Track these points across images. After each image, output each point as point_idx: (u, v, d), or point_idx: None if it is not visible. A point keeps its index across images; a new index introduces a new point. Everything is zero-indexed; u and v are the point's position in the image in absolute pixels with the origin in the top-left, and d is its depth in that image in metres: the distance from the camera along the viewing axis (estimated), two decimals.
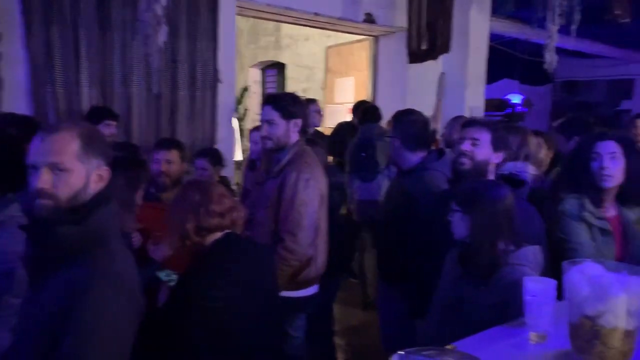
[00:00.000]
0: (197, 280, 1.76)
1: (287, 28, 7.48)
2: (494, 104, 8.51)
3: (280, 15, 5.01)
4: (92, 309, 1.31)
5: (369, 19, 5.34)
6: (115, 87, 3.95)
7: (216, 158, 3.50)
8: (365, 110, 4.84)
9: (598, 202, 2.26)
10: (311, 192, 2.37)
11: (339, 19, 5.14)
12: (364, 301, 4.63)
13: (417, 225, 2.33)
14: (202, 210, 1.83)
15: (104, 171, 1.46)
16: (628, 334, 1.43)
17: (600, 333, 1.43)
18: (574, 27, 3.96)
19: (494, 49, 7.78)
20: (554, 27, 3.99)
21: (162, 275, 2.11)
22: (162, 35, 3.26)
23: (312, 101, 4.79)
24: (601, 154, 2.22)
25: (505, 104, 8.89)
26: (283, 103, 2.48)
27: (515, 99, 9.05)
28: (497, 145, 2.26)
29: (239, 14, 4.75)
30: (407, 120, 2.62)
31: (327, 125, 6.67)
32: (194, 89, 4.29)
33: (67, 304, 1.30)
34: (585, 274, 1.48)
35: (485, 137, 2.25)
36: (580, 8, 4.24)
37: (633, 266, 2.03)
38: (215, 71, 4.36)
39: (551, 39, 4.10)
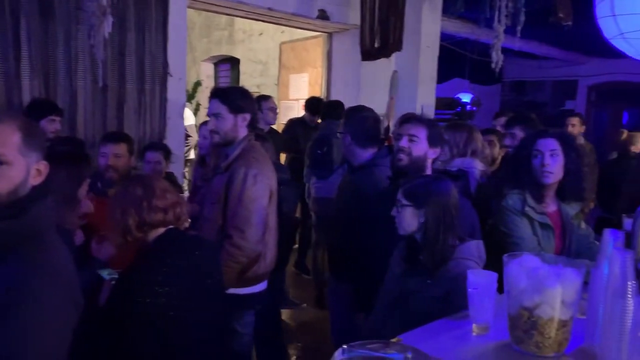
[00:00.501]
0: (138, 277, 1.72)
1: (240, 22, 7.40)
2: (445, 103, 8.68)
3: (233, 9, 4.94)
4: (27, 305, 1.26)
5: (323, 16, 5.35)
6: (59, 79, 3.81)
7: (168, 152, 3.44)
8: (327, 106, 4.84)
9: (539, 198, 2.34)
10: (260, 188, 2.34)
11: (293, 14, 5.11)
12: (318, 298, 4.64)
13: (365, 221, 2.35)
14: (145, 205, 1.79)
15: (43, 165, 1.41)
16: (563, 323, 1.48)
17: (537, 323, 1.47)
18: (519, 28, 4.09)
19: (446, 49, 7.93)
20: (500, 28, 4.11)
21: (105, 273, 2.04)
22: (107, 27, 3.15)
23: (266, 98, 4.75)
24: (542, 151, 2.29)
25: (455, 103, 9.09)
26: (231, 97, 2.45)
27: (465, 97, 9.26)
28: (433, 141, 2.31)
29: (190, 7, 4.66)
30: (358, 116, 2.64)
31: (283, 122, 6.65)
32: (143, 82, 4.18)
33: (2, 301, 1.24)
34: (524, 267, 1.52)
35: (422, 133, 2.29)
36: (526, 10, 4.37)
37: (569, 259, 2.11)
38: (165, 64, 4.26)
39: (498, 39, 4.22)
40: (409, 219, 1.96)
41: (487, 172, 2.81)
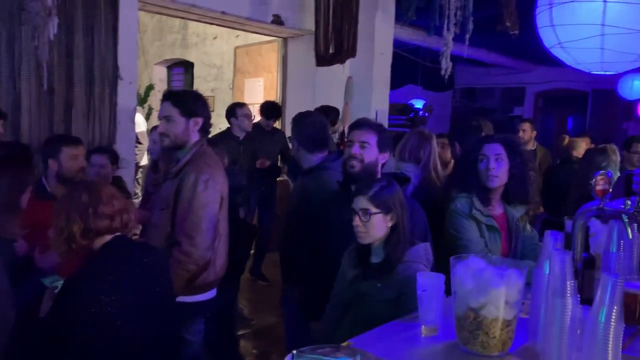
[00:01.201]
0: (83, 286, 1.66)
1: (194, 26, 7.32)
2: (398, 108, 8.83)
3: (186, 12, 4.88)
4: None
5: (278, 21, 5.34)
6: (1, 82, 3.66)
7: (115, 156, 3.36)
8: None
9: (486, 201, 2.41)
10: (211, 194, 2.31)
11: (247, 19, 5.09)
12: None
13: (314, 225, 2.35)
14: (90, 212, 1.73)
15: None
16: (507, 323, 1.52)
17: (482, 324, 1.51)
18: (467, 36, 4.21)
19: (399, 56, 8.08)
20: (449, 36, 4.22)
21: (47, 281, 1.97)
22: (52, 28, 3.05)
23: (241, 105, 4.76)
24: (487, 155, 2.36)
25: (408, 109, 9.27)
26: (183, 100, 2.41)
27: (418, 104, 9.46)
28: (383, 146, 2.34)
29: (141, 10, 4.57)
30: (304, 122, 2.66)
31: None
32: (92, 85, 4.06)
33: None
34: (470, 269, 1.56)
35: (372, 139, 2.32)
36: (474, 19, 4.50)
37: (513, 260, 2.18)
38: (115, 67, 4.16)
39: (447, 46, 4.33)
40: (380, 226, 1.96)
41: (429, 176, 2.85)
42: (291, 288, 2.62)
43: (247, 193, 3.46)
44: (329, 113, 4.71)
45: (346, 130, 5.39)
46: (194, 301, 2.38)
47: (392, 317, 1.82)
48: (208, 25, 6.61)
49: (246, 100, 6.46)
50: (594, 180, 1.76)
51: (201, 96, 2.58)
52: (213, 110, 7.21)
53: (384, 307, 1.91)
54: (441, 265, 2.01)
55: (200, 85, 7.36)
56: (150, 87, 7.93)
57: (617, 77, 7.58)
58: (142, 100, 7.38)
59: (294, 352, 1.36)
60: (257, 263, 5.29)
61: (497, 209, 2.45)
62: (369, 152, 2.31)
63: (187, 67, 7.88)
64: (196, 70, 7.55)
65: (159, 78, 8.16)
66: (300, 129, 2.61)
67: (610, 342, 1.35)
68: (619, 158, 3.95)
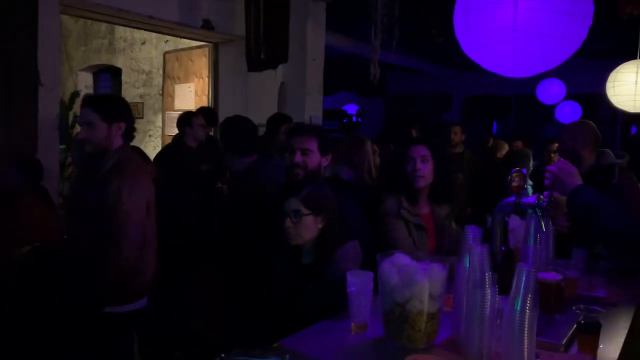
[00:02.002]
0: None
1: (121, 31, 7.10)
2: (332, 114, 8.95)
3: (112, 16, 4.72)
4: None
5: (208, 26, 5.27)
6: None
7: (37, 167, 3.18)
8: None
9: (413, 201, 2.48)
10: (136, 201, 2.25)
11: (176, 23, 4.99)
12: None
13: (243, 227, 2.34)
14: (7, 223, 1.64)
15: None
16: (432, 316, 1.58)
17: (408, 317, 1.56)
18: (394, 42, 4.32)
19: (332, 62, 8.19)
20: (376, 42, 4.32)
21: None
22: None
23: (196, 114, 4.62)
24: (414, 157, 2.44)
25: (342, 114, 9.41)
26: (105, 104, 2.33)
27: (351, 109, 9.63)
28: (324, 149, 2.36)
29: (64, 13, 4.38)
30: (231, 127, 2.65)
31: (168, 133, 6.45)
32: (10, 91, 3.85)
33: None
34: (395, 264, 1.60)
35: (313, 145, 2.32)
36: (402, 27, 4.64)
37: (437, 256, 2.25)
38: (35, 73, 3.96)
39: (374, 52, 4.43)
40: (311, 227, 1.99)
41: (363, 178, 2.90)
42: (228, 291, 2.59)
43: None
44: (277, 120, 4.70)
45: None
46: (123, 311, 2.30)
47: (324, 317, 1.84)
48: (136, 30, 6.45)
49: (177, 107, 6.33)
50: (509, 177, 1.86)
51: (123, 100, 2.51)
52: (142, 117, 7.02)
53: (317, 308, 1.93)
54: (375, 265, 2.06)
55: (129, 91, 7.13)
56: (75, 94, 7.59)
57: (536, 83, 8.03)
58: (66, 108, 7.06)
59: (222, 355, 1.35)
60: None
61: (424, 208, 2.53)
62: (311, 158, 2.31)
63: (114, 73, 7.62)
64: (124, 77, 7.31)
65: (85, 84, 7.83)
66: (228, 134, 2.59)
67: (526, 329, 1.42)
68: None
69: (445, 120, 10.75)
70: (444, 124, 7.77)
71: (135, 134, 2.48)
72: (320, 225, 2.01)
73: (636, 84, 4.08)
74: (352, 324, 1.72)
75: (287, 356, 1.34)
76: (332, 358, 1.53)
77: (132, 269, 2.23)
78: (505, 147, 6.01)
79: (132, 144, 3.10)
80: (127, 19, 4.73)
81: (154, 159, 4.22)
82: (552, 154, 5.03)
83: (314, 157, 2.32)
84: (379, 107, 11.85)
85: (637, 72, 4.10)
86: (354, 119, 9.46)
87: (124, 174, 2.24)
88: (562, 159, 1.82)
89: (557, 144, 5.19)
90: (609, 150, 2.95)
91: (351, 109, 9.68)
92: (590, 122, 3.03)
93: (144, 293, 2.38)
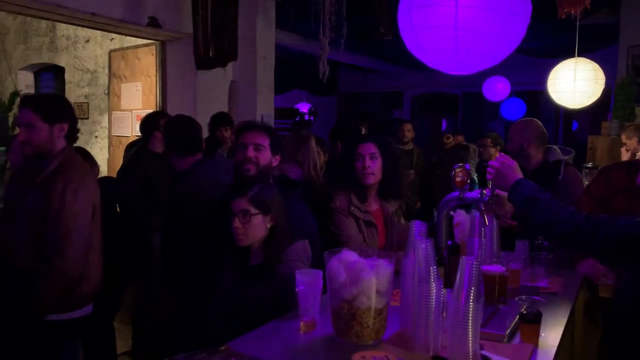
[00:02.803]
0: None
1: (64, 28, 6.84)
2: (284, 113, 8.92)
3: (52, 13, 4.53)
4: None
5: (154, 23, 5.14)
6: None
7: None
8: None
9: (363, 198, 2.50)
10: (81, 204, 2.16)
11: (120, 21, 4.84)
12: None
13: (186, 230, 2.29)
14: None
15: None
16: (379, 312, 1.59)
17: (356, 314, 1.56)
18: (342, 40, 4.34)
19: (284, 60, 8.16)
20: (324, 40, 4.33)
21: None
22: None
23: (164, 116, 4.42)
24: (363, 154, 2.46)
25: (294, 113, 9.41)
26: (45, 105, 2.23)
27: (304, 108, 9.63)
28: (275, 148, 2.33)
29: None
30: (173, 127, 2.60)
31: (115, 134, 6.26)
32: None
33: None
34: (343, 262, 1.60)
35: (266, 141, 2.29)
36: (352, 25, 4.66)
37: (385, 251, 2.27)
38: None
39: (323, 50, 4.44)
40: (260, 227, 1.96)
41: (312, 176, 2.90)
42: (174, 294, 2.53)
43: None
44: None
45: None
46: (68, 318, 2.21)
47: (274, 317, 1.83)
48: (79, 27, 6.22)
49: (124, 106, 6.16)
50: (453, 172, 1.89)
51: (64, 99, 2.41)
52: (87, 118, 6.80)
53: (266, 308, 1.91)
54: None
55: (73, 91, 6.88)
56: (15, 94, 7.27)
57: (482, 81, 8.25)
58: (6, 108, 6.75)
59: (166, 359, 1.32)
60: None
61: (374, 205, 2.56)
62: (263, 155, 2.28)
63: (57, 72, 7.33)
64: (67, 76, 7.05)
65: (26, 84, 7.51)
66: (170, 134, 2.54)
67: (470, 321, 1.45)
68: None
69: (396, 117, 10.91)
70: (396, 122, 7.89)
71: (79, 134, 2.39)
72: (269, 225, 1.99)
73: (574, 80, 4.25)
74: (301, 323, 1.71)
75: (232, 359, 1.31)
76: (280, 358, 1.52)
77: (76, 276, 2.15)
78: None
79: (77, 145, 3.00)
80: (67, 15, 4.55)
81: (119, 172, 3.94)
82: (490, 149, 5.20)
83: (266, 154, 2.28)
84: (332, 106, 11.91)
85: (575, 70, 4.27)
86: (307, 117, 9.47)
87: (67, 177, 2.16)
88: (502, 153, 1.86)
89: (489, 139, 5.39)
90: (556, 147, 3.06)
91: (303, 107, 9.68)
92: (536, 119, 3.13)
93: (89, 299, 2.30)
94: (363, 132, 4.28)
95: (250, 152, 2.25)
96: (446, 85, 10.48)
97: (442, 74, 2.38)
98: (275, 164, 2.36)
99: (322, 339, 1.65)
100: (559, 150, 3.03)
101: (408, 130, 5.81)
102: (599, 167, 3.74)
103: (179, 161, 2.50)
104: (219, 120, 4.95)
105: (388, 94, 11.57)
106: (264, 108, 6.09)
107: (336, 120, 10.92)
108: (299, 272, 1.76)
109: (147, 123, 3.92)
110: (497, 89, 8.09)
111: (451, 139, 6.28)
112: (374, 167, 2.46)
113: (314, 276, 1.74)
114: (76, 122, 2.38)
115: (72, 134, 2.33)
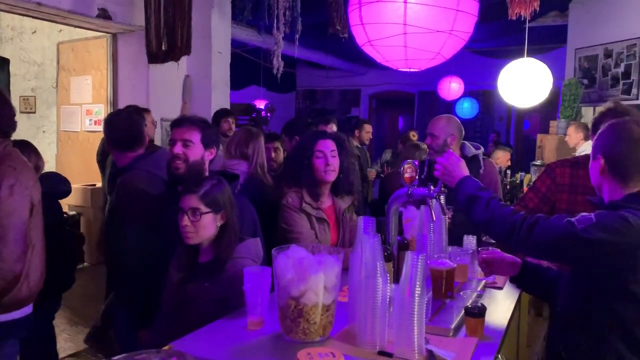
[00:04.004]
0: None
1: (9, 18, 6.57)
2: (241, 109, 8.84)
3: None
4: None
5: (104, 15, 4.99)
6: None
7: None
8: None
9: (317, 195, 2.49)
10: (18, 200, 2.06)
11: (68, 11, 4.67)
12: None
13: (134, 227, 2.22)
14: None
15: None
16: (327, 308, 1.58)
17: (303, 311, 1.54)
18: (297, 36, 4.32)
19: (242, 56, 8.06)
20: (278, 35, 4.29)
21: None
22: None
23: (146, 111, 4.25)
24: (324, 151, 2.45)
25: (251, 109, 9.32)
26: None
27: (261, 104, 9.56)
28: (208, 143, 2.26)
29: None
30: (114, 121, 2.53)
31: (63, 129, 6.06)
32: None
33: None
34: (290, 258, 1.58)
35: (195, 136, 2.21)
36: (309, 22, 4.64)
37: (334, 247, 2.27)
38: None
39: (277, 45, 4.41)
40: (210, 225, 1.91)
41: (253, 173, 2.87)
42: (121, 297, 2.45)
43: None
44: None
45: None
46: (5, 320, 2.11)
47: (222, 316, 1.79)
48: (25, 18, 5.98)
49: (73, 100, 5.97)
50: (402, 168, 1.90)
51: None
52: (34, 112, 6.56)
53: (212, 307, 1.87)
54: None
55: (19, 84, 6.61)
56: None
57: (437, 80, 8.39)
58: None
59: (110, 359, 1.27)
60: None
61: (326, 202, 2.55)
62: (193, 151, 2.21)
63: (1, 64, 7.02)
64: (13, 68, 6.75)
65: None
66: (111, 129, 2.47)
67: (416, 316, 1.46)
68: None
69: (353, 116, 10.98)
70: (354, 120, 7.95)
71: (13, 127, 2.26)
72: (219, 224, 1.95)
73: (524, 80, 4.36)
74: (248, 321, 1.69)
75: (174, 358, 1.28)
76: (224, 357, 1.49)
77: (14, 276, 2.05)
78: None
79: (23, 139, 2.86)
80: (11, 4, 4.36)
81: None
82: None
83: (196, 150, 2.21)
84: (290, 102, 11.88)
85: (524, 70, 4.38)
86: (264, 113, 9.40)
87: (3, 172, 2.05)
88: (450, 150, 1.89)
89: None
90: (467, 142, 3.14)
91: (261, 103, 9.61)
92: (453, 115, 3.19)
93: (28, 300, 2.20)
94: (334, 128, 4.26)
95: (178, 149, 2.18)
96: (403, 84, 10.61)
97: (399, 73, 2.40)
98: (209, 158, 2.29)
99: (269, 336, 1.63)
100: (470, 146, 3.12)
101: (367, 132, 5.93)
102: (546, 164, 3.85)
103: (119, 157, 2.42)
104: (220, 113, 4.94)
105: (346, 92, 11.62)
106: (220, 104, 6.00)
107: (295, 117, 10.90)
108: (247, 269, 1.73)
109: None
110: (451, 89, 8.25)
111: (416, 136, 6.36)
112: (335, 164, 2.46)
113: (262, 273, 1.72)
114: (11, 115, 2.25)
115: (4, 128, 2.21)
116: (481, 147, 3.18)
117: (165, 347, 1.52)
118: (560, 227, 1.48)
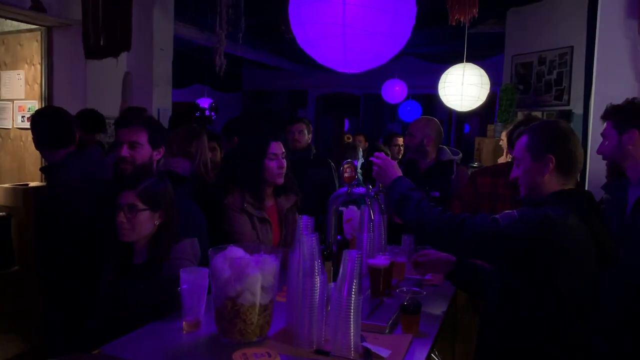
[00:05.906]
0: None
1: None
2: (184, 107, 8.67)
3: None
4: None
5: (38, 7, 4.77)
6: None
7: None
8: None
9: (260, 195, 2.46)
10: None
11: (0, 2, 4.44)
12: None
13: (57, 224, 2.14)
14: None
15: None
16: (264, 308, 1.56)
17: (240, 311, 1.53)
18: (240, 35, 4.27)
19: (186, 54, 7.90)
20: (221, 32, 4.24)
21: None
22: None
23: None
24: (277, 154, 2.43)
25: (195, 108, 9.16)
26: None
27: (204, 103, 9.41)
28: (156, 143, 2.21)
29: None
30: (41, 119, 2.43)
31: None
32: None
33: None
34: (227, 258, 1.56)
35: (143, 137, 2.16)
36: (255, 22, 4.59)
37: (273, 247, 2.26)
38: None
39: (220, 43, 4.35)
40: (146, 224, 1.86)
41: (201, 172, 2.82)
42: (54, 300, 2.34)
43: None
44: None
45: None
46: None
47: (156, 318, 1.74)
48: None
49: (4, 96, 5.66)
50: (342, 168, 1.92)
51: None
52: None
53: (148, 309, 1.82)
54: None
55: None
56: None
57: (381, 84, 8.52)
58: None
59: None
60: None
61: (268, 202, 2.53)
62: (140, 152, 2.14)
63: None
64: None
65: None
66: (39, 126, 2.37)
67: (352, 314, 1.47)
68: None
69: (300, 117, 10.97)
70: (292, 119, 7.93)
71: None
72: (157, 222, 1.90)
73: (462, 85, 4.49)
74: (184, 322, 1.65)
75: None
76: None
77: None
78: (362, 141, 6.35)
79: None
80: None
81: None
82: (400, 148, 5.41)
83: (144, 151, 2.15)
84: (236, 102, 11.75)
85: (463, 74, 4.52)
86: (207, 113, 9.25)
87: None
88: (378, 153, 1.91)
89: (401, 138, 5.59)
90: (446, 147, 3.22)
91: (204, 102, 9.45)
92: (435, 118, 3.28)
93: None
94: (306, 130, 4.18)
95: (125, 152, 2.12)
96: (348, 87, 10.71)
97: (344, 75, 2.41)
98: (157, 157, 2.24)
99: (205, 338, 1.61)
100: (449, 151, 3.20)
101: (300, 132, 5.86)
102: (482, 167, 3.98)
103: (49, 154, 2.32)
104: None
105: (293, 93, 11.62)
106: (161, 102, 5.87)
107: (234, 117, 10.78)
108: (183, 270, 1.69)
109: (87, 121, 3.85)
110: (395, 92, 8.40)
111: (351, 138, 6.42)
112: (285, 166, 2.46)
113: (198, 274, 1.69)
114: None
115: None
116: (460, 153, 3.23)
117: (95, 352, 1.46)
118: (484, 226, 1.53)
